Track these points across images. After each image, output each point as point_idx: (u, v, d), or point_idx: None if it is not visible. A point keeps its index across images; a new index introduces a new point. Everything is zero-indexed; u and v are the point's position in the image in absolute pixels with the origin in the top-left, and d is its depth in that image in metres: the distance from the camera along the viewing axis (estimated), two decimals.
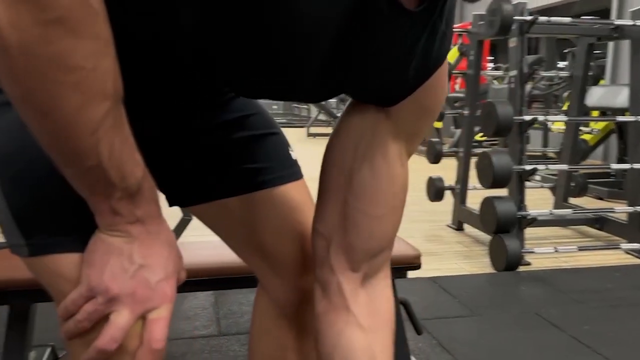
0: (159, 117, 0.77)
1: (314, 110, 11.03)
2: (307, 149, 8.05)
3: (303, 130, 10.30)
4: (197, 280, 1.40)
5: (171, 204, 0.89)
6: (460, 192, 3.33)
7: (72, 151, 0.50)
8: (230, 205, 0.86)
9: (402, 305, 1.62)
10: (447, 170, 3.73)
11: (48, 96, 0.46)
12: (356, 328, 0.72)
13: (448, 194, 3.50)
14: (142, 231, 0.57)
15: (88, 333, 0.56)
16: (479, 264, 2.74)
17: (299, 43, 0.57)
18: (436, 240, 3.19)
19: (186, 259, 1.36)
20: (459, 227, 3.38)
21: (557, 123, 4.95)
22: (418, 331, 1.67)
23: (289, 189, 0.86)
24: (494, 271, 2.63)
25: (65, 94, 0.46)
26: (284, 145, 0.90)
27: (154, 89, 0.72)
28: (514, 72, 2.71)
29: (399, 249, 1.53)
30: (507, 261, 2.55)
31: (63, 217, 0.59)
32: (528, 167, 2.65)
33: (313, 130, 10.13)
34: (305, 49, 0.59)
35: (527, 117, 2.64)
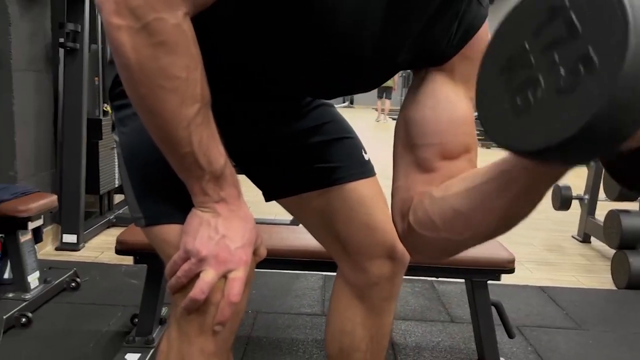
0: (255, 126, 0.95)
1: None
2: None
3: None
4: (307, 262, 1.58)
5: (267, 199, 1.07)
6: (589, 203, 3.16)
7: (173, 140, 0.67)
8: (310, 198, 1.01)
9: (494, 307, 1.65)
10: (578, 178, 3.54)
11: (155, 99, 0.64)
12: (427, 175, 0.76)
13: (576, 204, 3.34)
14: (225, 209, 0.73)
15: (185, 288, 0.73)
16: (599, 279, 2.61)
17: (354, 43, 0.71)
18: (557, 251, 3.07)
19: (299, 242, 1.57)
20: (584, 240, 3.21)
21: None
22: (510, 334, 1.70)
23: (360, 185, 0.99)
24: (614, 288, 2.50)
25: (167, 97, 0.64)
26: (358, 147, 1.04)
27: (251, 106, 0.89)
28: None
29: (493, 252, 1.58)
30: (630, 279, 2.41)
31: (170, 197, 0.77)
32: None
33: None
34: (357, 37, 0.71)
35: None
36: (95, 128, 2.81)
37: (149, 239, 0.83)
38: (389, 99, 14.23)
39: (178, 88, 0.64)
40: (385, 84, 14.53)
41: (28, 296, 1.88)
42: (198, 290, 0.71)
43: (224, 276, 0.72)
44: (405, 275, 1.65)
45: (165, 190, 0.78)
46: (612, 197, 2.47)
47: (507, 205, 0.62)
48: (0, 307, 1.79)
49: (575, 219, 3.36)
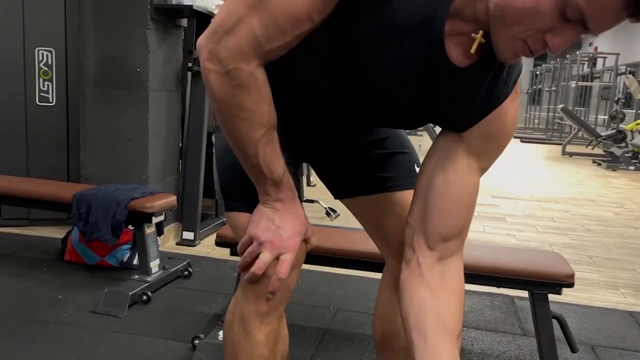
0: (329, 138, 1.16)
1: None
2: (549, 167, 7.64)
3: (559, 148, 9.69)
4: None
5: (335, 197, 1.28)
6: None
7: (244, 154, 0.91)
8: (365, 201, 1.21)
9: (556, 321, 1.71)
10: None
11: (232, 124, 0.89)
12: (427, 290, 0.95)
13: None
14: (281, 206, 0.96)
15: (249, 265, 0.97)
16: None
17: (393, 95, 0.91)
18: None
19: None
20: None
21: None
22: (572, 348, 1.75)
23: (407, 194, 1.15)
24: None
25: (240, 123, 0.88)
26: (411, 161, 1.21)
27: (325, 123, 1.12)
28: None
29: (554, 266, 1.66)
30: None
31: (243, 192, 1.01)
32: None
33: (571, 148, 9.46)
34: (396, 96, 0.91)
35: None
36: (215, 135, 3.21)
37: (227, 221, 1.09)
38: None
39: (249, 117, 0.88)
40: None
41: (149, 279, 2.26)
42: (256, 267, 0.95)
43: (277, 257, 0.95)
44: (467, 282, 1.80)
45: (240, 187, 1.02)
46: None
47: None
48: (127, 286, 2.19)
49: None
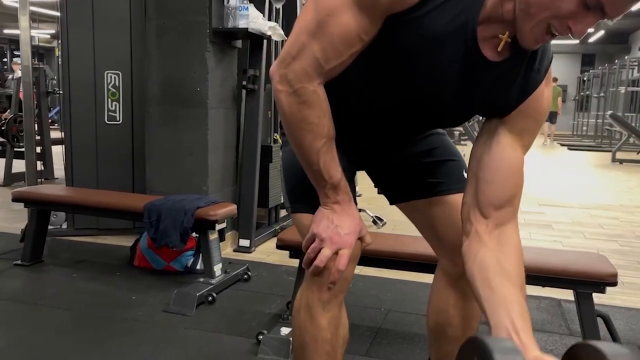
0: (385, 149, 1.31)
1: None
2: (598, 175, 7.51)
3: (608, 155, 9.49)
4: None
5: (391, 202, 1.43)
6: None
7: (308, 161, 1.08)
8: (419, 205, 1.35)
9: (601, 319, 1.79)
10: None
11: (298, 135, 1.05)
12: (487, 250, 1.05)
13: None
14: (339, 208, 1.11)
15: (313, 261, 1.12)
16: None
17: (439, 96, 1.06)
18: None
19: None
20: None
21: None
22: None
23: (457, 197, 1.26)
24: None
25: (305, 135, 1.04)
26: (460, 168, 1.33)
27: (383, 137, 1.26)
28: None
29: (596, 265, 1.75)
30: None
31: (306, 196, 1.16)
32: None
33: (621, 155, 9.26)
34: (441, 95, 1.06)
35: None
36: (267, 153, 3.41)
37: (293, 221, 1.25)
38: (554, 123, 13.76)
39: (312, 129, 1.05)
40: (551, 109, 14.12)
41: (214, 281, 2.45)
42: (319, 261, 1.10)
43: (336, 253, 1.10)
44: None
45: (304, 192, 1.17)
46: None
47: None
48: (194, 287, 2.38)
49: None
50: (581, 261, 1.80)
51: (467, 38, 0.97)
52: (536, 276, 1.79)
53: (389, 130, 1.23)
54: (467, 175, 1.16)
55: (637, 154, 9.17)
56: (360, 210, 4.11)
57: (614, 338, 1.81)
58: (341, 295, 1.17)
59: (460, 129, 9.31)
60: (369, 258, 1.98)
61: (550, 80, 1.11)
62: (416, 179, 1.33)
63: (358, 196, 5.00)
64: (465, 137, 9.58)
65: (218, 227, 2.49)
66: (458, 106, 1.10)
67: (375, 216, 3.97)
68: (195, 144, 3.03)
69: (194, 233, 2.59)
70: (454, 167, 1.33)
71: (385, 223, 3.93)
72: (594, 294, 1.76)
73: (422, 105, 1.10)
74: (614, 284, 1.71)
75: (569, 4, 0.87)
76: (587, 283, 1.73)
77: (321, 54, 0.98)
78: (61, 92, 4.47)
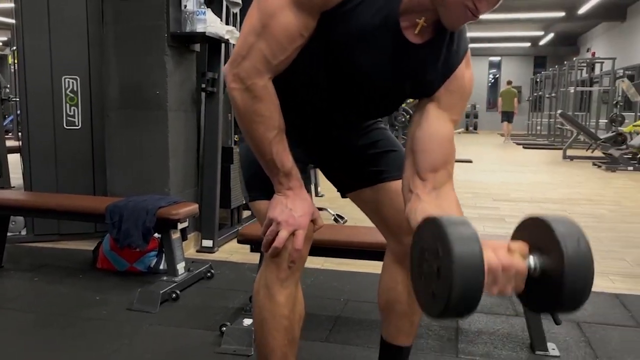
0: (332, 143, 1.41)
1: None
2: (550, 171, 7.85)
3: (560, 153, 9.88)
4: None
5: (342, 194, 1.53)
6: None
7: (261, 152, 1.17)
8: (365, 193, 1.45)
9: None
10: None
11: (251, 128, 1.15)
12: (427, 204, 1.16)
13: None
14: (292, 194, 1.21)
15: (271, 243, 1.21)
16: None
17: (376, 83, 1.18)
18: None
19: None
20: None
21: None
22: (556, 321, 1.97)
23: (398, 183, 1.36)
24: None
25: (258, 127, 1.14)
26: (401, 157, 1.43)
27: (328, 131, 1.36)
28: None
29: None
30: None
31: (262, 184, 1.25)
32: None
33: (572, 152, 9.65)
34: (376, 81, 1.18)
35: None
36: (228, 155, 3.47)
37: (251, 209, 1.34)
38: (511, 122, 14.39)
39: (264, 122, 1.14)
40: (507, 109, 14.72)
41: (177, 279, 2.50)
42: (278, 242, 1.19)
43: (292, 234, 1.20)
44: None
45: (260, 181, 1.26)
46: None
47: None
48: (157, 286, 2.43)
49: None
50: None
51: (391, 28, 1.10)
52: None
53: (333, 118, 1.33)
54: (405, 152, 1.27)
55: (586, 150, 9.58)
56: (322, 209, 4.26)
57: (553, 315, 1.96)
58: (298, 273, 1.26)
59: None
60: (329, 248, 2.08)
61: (470, 63, 1.24)
62: (362, 169, 1.44)
63: (320, 196, 5.12)
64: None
65: (180, 226, 2.55)
66: (392, 90, 1.22)
67: (337, 214, 4.08)
68: (155, 146, 3.07)
69: (156, 233, 2.63)
70: (395, 157, 1.44)
71: (346, 221, 4.04)
72: None
73: (361, 92, 1.21)
74: None
75: None
76: None
77: (268, 51, 1.09)
78: (17, 99, 4.44)
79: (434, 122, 1.21)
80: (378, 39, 1.11)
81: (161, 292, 2.36)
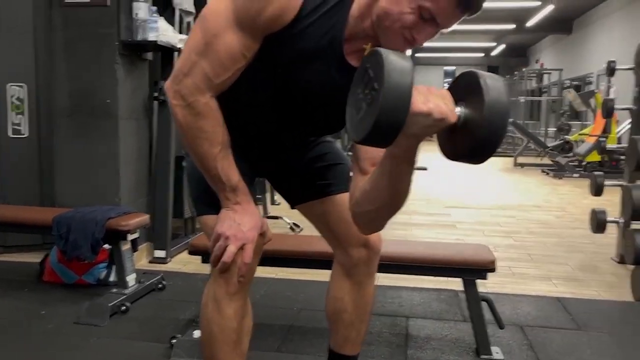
0: (280, 156, 1.43)
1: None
2: (501, 178, 8.08)
3: (512, 160, 10.19)
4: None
5: (291, 206, 1.54)
6: (624, 225, 3.34)
7: (206, 167, 1.17)
8: (314, 205, 1.48)
9: (485, 302, 2.00)
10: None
11: (195, 144, 1.15)
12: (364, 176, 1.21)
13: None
14: (239, 208, 1.21)
15: (220, 258, 1.21)
16: (621, 293, 2.81)
17: (321, 102, 1.21)
18: (589, 270, 3.27)
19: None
20: (621, 261, 3.38)
21: None
22: (500, 325, 2.04)
23: (345, 196, 1.41)
24: (632, 301, 2.70)
25: (202, 142, 1.14)
26: (346, 171, 1.48)
27: (277, 144, 1.38)
28: None
29: (478, 255, 1.96)
30: None
31: (210, 199, 1.26)
32: None
33: (522, 159, 9.97)
34: (320, 101, 1.20)
35: None
36: (181, 163, 3.44)
37: (199, 224, 1.34)
38: None
39: (208, 138, 1.15)
40: None
41: (127, 291, 2.46)
42: (226, 257, 1.19)
43: (241, 248, 1.21)
44: (407, 273, 2.08)
45: (207, 196, 1.26)
46: (626, 217, 2.70)
47: (388, 183, 1.08)
48: (106, 298, 2.38)
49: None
50: (466, 252, 2.01)
51: (336, 53, 1.13)
52: (428, 267, 1.98)
53: (279, 136, 1.35)
54: (352, 167, 1.30)
55: (536, 158, 9.92)
56: (277, 217, 4.26)
57: (496, 318, 2.03)
58: (247, 287, 1.27)
59: None
60: (283, 258, 2.09)
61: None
62: (309, 183, 1.47)
63: (277, 204, 5.12)
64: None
65: (130, 237, 2.51)
66: (337, 110, 1.24)
67: (293, 223, 4.09)
68: (106, 155, 3.02)
69: (106, 244, 2.58)
70: (342, 170, 1.48)
71: (302, 229, 4.05)
72: (487, 284, 1.97)
73: (306, 112, 1.23)
74: (493, 270, 1.93)
75: (410, 17, 1.05)
76: (470, 271, 1.94)
77: (210, 70, 1.10)
78: None
79: None
80: (323, 62, 1.14)
81: (110, 304, 2.32)
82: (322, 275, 2.59)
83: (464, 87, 0.97)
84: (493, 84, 0.92)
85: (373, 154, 1.22)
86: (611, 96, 7.69)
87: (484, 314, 1.99)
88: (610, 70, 3.31)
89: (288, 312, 2.44)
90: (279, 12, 1.07)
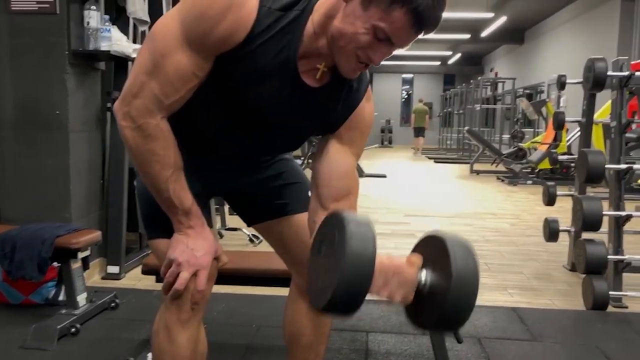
0: (236, 174, 1.39)
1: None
2: (458, 185, 8.25)
3: (468, 167, 10.40)
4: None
5: (247, 224, 1.51)
6: (575, 234, 3.44)
7: (158, 191, 1.13)
8: (271, 225, 1.45)
9: None
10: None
11: (146, 166, 1.10)
12: (324, 210, 1.20)
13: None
14: (192, 232, 1.17)
15: (172, 284, 1.16)
16: (573, 302, 2.88)
17: (276, 121, 1.18)
18: (543, 279, 3.35)
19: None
20: (572, 268, 3.48)
21: None
22: (458, 339, 2.04)
23: (303, 216, 1.38)
24: (584, 309, 2.77)
25: (153, 165, 1.10)
26: (305, 190, 1.45)
27: (232, 162, 1.34)
28: (614, 123, 2.86)
29: None
30: (594, 301, 2.69)
31: (161, 222, 1.21)
32: (624, 213, 2.77)
33: (478, 166, 10.19)
34: (276, 120, 1.17)
35: (623, 166, 2.77)
36: (135, 175, 3.34)
37: (151, 248, 1.29)
38: (423, 137, 15.28)
39: (159, 160, 1.10)
40: (419, 125, 15.45)
41: (77, 312, 2.36)
42: (178, 284, 1.15)
43: (194, 274, 1.16)
44: None
45: (158, 218, 1.21)
46: (577, 227, 2.78)
47: None
48: (55, 320, 2.28)
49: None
50: None
51: (290, 71, 1.11)
52: None
53: (235, 154, 1.31)
54: (310, 187, 1.29)
55: (491, 165, 10.15)
56: (236, 229, 4.19)
57: (455, 334, 2.04)
58: (200, 313, 1.23)
59: None
60: (235, 277, 2.05)
61: (371, 97, 1.27)
62: (266, 202, 1.43)
63: (235, 215, 5.05)
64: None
65: (81, 255, 2.41)
66: (293, 129, 1.23)
67: (252, 234, 4.04)
68: (55, 169, 2.90)
69: (54, 263, 2.48)
70: (299, 189, 1.45)
71: (261, 241, 4.00)
72: None
73: (261, 129, 1.20)
74: None
75: (365, 37, 1.03)
76: None
77: (160, 91, 1.06)
78: None
79: (336, 157, 1.24)
80: (277, 80, 1.11)
81: (59, 326, 2.22)
82: (281, 290, 2.56)
83: (430, 250, 0.96)
84: (462, 253, 0.90)
85: (336, 193, 1.21)
86: (561, 105, 7.97)
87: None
88: (561, 84, 3.41)
89: (247, 330, 2.39)
90: (230, 32, 1.03)
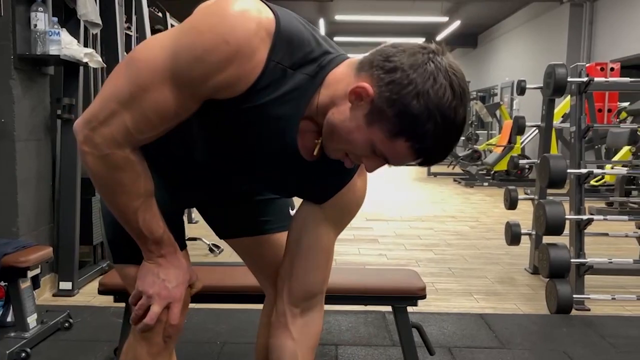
0: (212, 188, 1.28)
1: None
2: (417, 188, 8.34)
3: (425, 169, 10.52)
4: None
5: (220, 237, 1.42)
6: (536, 237, 3.49)
7: (126, 221, 1.03)
8: (247, 242, 1.37)
9: (415, 329, 1.97)
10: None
11: (113, 197, 1.00)
12: (289, 339, 1.17)
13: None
14: (164, 261, 1.08)
15: (142, 317, 1.07)
16: (537, 306, 2.91)
17: (263, 170, 1.09)
18: (506, 283, 3.37)
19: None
20: (534, 271, 3.52)
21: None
22: (430, 351, 2.01)
23: (283, 236, 1.28)
24: (547, 313, 2.80)
25: (120, 196, 1.00)
26: (287, 206, 1.38)
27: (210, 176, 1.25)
28: (573, 128, 2.90)
29: (408, 281, 1.92)
30: (559, 305, 2.72)
31: (129, 246, 1.10)
32: (585, 217, 2.81)
33: (435, 169, 10.32)
34: (266, 174, 1.10)
35: (584, 170, 2.81)
36: (88, 186, 3.16)
37: (117, 273, 1.18)
38: None
39: (127, 191, 1.00)
40: None
41: (27, 335, 2.21)
42: (149, 319, 1.06)
43: (166, 307, 1.07)
44: (338, 303, 2.01)
45: (126, 242, 1.10)
46: (541, 232, 2.81)
47: None
48: (3, 344, 2.12)
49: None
50: (396, 278, 1.97)
51: (287, 131, 0.99)
52: (359, 296, 1.92)
53: (213, 186, 1.22)
54: (287, 239, 1.21)
55: (448, 167, 10.30)
56: (196, 239, 4.06)
57: (427, 345, 2.00)
58: (172, 345, 1.14)
59: None
60: (200, 295, 1.94)
61: (364, 170, 1.16)
62: (245, 217, 1.35)
63: (194, 223, 4.91)
64: None
65: (30, 274, 2.25)
66: (278, 182, 1.15)
67: (212, 244, 3.92)
68: (0, 180, 2.71)
69: (1, 282, 2.31)
70: (281, 205, 1.37)
71: (222, 250, 3.89)
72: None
73: (244, 176, 1.13)
74: (424, 297, 1.89)
75: (362, 149, 0.94)
76: (401, 298, 1.89)
77: (133, 125, 0.93)
78: None
79: (320, 239, 1.17)
80: (270, 143, 1.01)
81: (7, 351, 2.06)
82: (246, 304, 2.49)
83: None
84: None
85: (310, 287, 1.19)
86: (515, 108, 8.15)
87: (414, 340, 1.95)
88: (521, 89, 3.45)
89: (211, 347, 2.29)
90: (228, 85, 0.89)
